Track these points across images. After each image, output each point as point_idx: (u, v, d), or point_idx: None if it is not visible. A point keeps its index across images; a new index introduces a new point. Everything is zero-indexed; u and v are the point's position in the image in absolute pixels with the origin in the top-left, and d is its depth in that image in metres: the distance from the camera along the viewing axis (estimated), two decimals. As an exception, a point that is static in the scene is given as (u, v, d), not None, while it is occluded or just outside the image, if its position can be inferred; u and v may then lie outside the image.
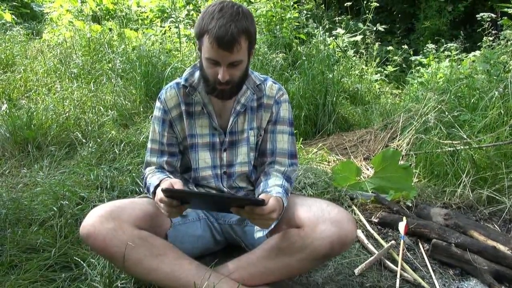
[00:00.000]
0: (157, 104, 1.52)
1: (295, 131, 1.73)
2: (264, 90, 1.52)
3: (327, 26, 4.78)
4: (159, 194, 1.23)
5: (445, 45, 5.03)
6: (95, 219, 1.25)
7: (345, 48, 4.87)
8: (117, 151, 2.45)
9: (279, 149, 1.51)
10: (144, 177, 1.50)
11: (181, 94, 1.49)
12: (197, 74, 1.48)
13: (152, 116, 1.58)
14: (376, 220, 2.03)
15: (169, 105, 1.49)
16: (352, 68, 4.58)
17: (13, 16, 5.38)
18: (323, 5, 6.45)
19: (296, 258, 1.31)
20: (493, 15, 4.26)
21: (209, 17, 1.27)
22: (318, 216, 1.27)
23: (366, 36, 5.18)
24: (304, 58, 3.85)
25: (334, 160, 2.82)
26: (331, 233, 1.24)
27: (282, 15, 4.73)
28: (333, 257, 1.60)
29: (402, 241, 1.70)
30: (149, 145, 1.54)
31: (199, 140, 1.49)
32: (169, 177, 1.42)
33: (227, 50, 1.26)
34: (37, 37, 4.99)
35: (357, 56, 5.01)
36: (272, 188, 1.37)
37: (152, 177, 1.43)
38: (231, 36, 1.24)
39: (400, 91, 4.87)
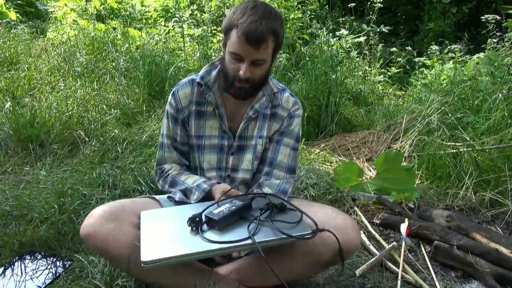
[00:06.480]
0: (171, 100, 1.50)
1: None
2: (280, 99, 1.51)
3: (330, 27, 4.78)
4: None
5: (449, 47, 5.01)
6: (95, 220, 1.24)
7: (349, 49, 4.86)
8: (119, 150, 2.46)
9: (279, 162, 1.50)
10: (167, 173, 1.48)
11: (194, 92, 1.47)
12: (213, 73, 1.46)
13: (163, 111, 1.56)
14: (378, 221, 2.03)
15: (184, 103, 1.48)
16: (356, 69, 4.56)
17: (18, 15, 5.40)
18: (327, 6, 6.45)
19: (299, 263, 1.31)
20: (498, 17, 4.24)
21: (240, 12, 1.27)
22: (323, 223, 1.26)
23: (370, 37, 5.17)
24: (307, 58, 3.85)
25: (336, 161, 2.82)
26: (335, 240, 1.23)
27: (286, 15, 4.73)
28: (337, 264, 1.59)
29: (403, 242, 1.69)
30: (164, 140, 1.52)
31: (207, 142, 1.48)
32: (208, 179, 1.44)
33: (254, 46, 1.26)
34: (41, 36, 5.00)
35: (361, 57, 5.00)
36: None
37: (186, 176, 1.45)
38: (261, 33, 1.24)
39: (404, 92, 4.86)
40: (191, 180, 1.43)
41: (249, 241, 1.11)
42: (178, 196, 1.42)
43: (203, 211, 1.18)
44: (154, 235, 1.15)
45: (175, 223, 1.20)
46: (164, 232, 1.17)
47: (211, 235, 1.13)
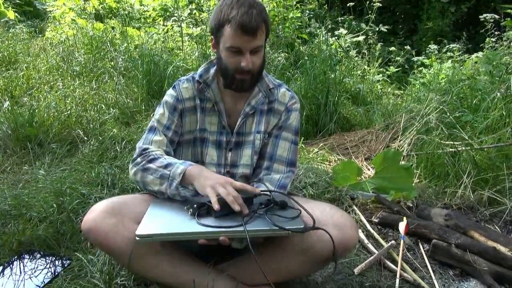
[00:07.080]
0: (171, 91, 1.50)
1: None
2: (276, 95, 1.52)
3: (329, 26, 4.78)
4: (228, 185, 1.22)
5: (447, 46, 5.02)
6: (97, 214, 1.25)
7: (347, 48, 4.87)
8: (118, 149, 2.46)
9: (279, 156, 1.50)
10: (150, 152, 1.37)
11: (195, 89, 1.49)
12: (212, 71, 1.48)
13: (158, 104, 1.51)
14: (376, 220, 2.03)
15: (184, 95, 1.48)
16: (354, 69, 4.57)
17: (16, 14, 5.39)
18: (326, 5, 6.45)
19: (297, 261, 1.30)
20: (496, 16, 4.25)
21: (228, 7, 1.31)
22: (320, 219, 1.26)
23: (369, 37, 5.17)
24: (306, 58, 3.85)
25: (335, 160, 2.82)
26: (333, 236, 1.23)
27: (284, 14, 4.73)
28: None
29: (402, 241, 1.70)
30: (155, 124, 1.46)
31: (210, 136, 1.49)
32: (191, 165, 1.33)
33: (251, 35, 1.29)
34: (40, 35, 4.99)
35: (359, 56, 5.00)
36: None
37: (169, 156, 1.37)
38: (255, 22, 1.28)
39: (402, 91, 4.86)
40: (174, 160, 1.35)
41: (240, 228, 1.13)
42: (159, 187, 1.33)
43: (207, 201, 1.21)
44: (155, 216, 1.22)
45: (179, 209, 1.25)
46: (165, 214, 1.24)
47: (206, 220, 1.17)
